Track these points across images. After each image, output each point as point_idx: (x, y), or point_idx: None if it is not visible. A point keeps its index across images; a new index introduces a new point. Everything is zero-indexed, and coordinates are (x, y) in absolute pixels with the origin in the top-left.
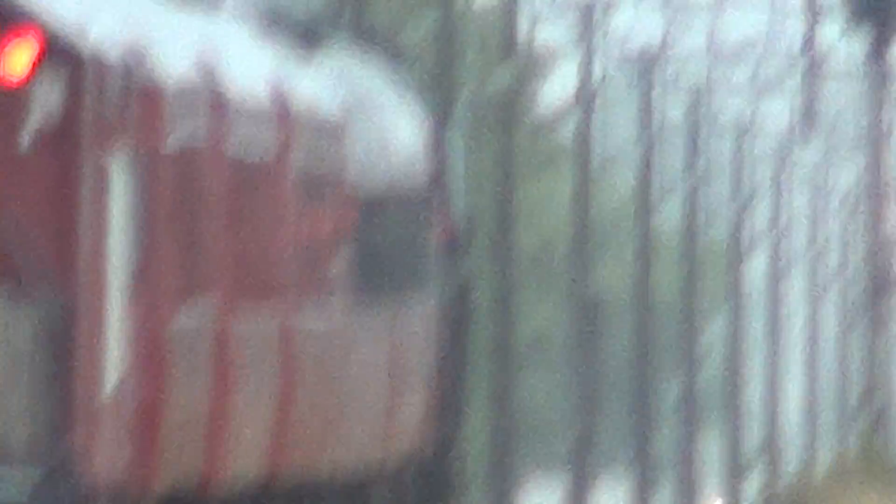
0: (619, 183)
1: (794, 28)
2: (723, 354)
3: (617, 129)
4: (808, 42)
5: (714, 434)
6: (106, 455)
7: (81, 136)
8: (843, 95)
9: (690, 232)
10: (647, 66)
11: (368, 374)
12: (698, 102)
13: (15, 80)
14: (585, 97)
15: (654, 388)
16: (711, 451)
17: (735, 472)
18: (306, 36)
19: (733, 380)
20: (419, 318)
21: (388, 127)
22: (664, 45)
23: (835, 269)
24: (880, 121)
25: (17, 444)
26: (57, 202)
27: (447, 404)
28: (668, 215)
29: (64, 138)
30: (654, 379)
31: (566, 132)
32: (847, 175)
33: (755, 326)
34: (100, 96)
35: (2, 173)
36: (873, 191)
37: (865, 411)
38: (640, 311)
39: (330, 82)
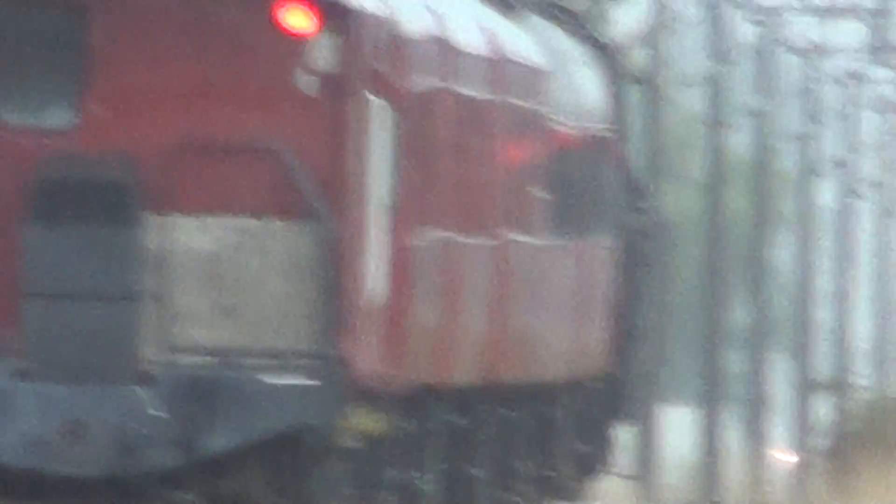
0: (690, 106)
1: None
2: (793, 279)
3: (688, 52)
4: None
5: (784, 358)
6: (368, 355)
7: (350, 83)
8: None
9: (761, 155)
10: None
11: (564, 294)
12: (769, 24)
13: (296, 33)
14: (660, 21)
15: (724, 313)
16: (781, 375)
17: (805, 397)
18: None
19: (803, 304)
20: (606, 250)
21: (579, 79)
22: None
23: None
24: None
25: (300, 345)
26: (330, 139)
27: (626, 331)
28: (739, 139)
29: (335, 84)
30: (724, 304)
31: (640, 56)
32: None
33: (825, 250)
34: (364, 48)
35: (284, 113)
36: None
37: None
38: (710, 235)
39: (533, 38)
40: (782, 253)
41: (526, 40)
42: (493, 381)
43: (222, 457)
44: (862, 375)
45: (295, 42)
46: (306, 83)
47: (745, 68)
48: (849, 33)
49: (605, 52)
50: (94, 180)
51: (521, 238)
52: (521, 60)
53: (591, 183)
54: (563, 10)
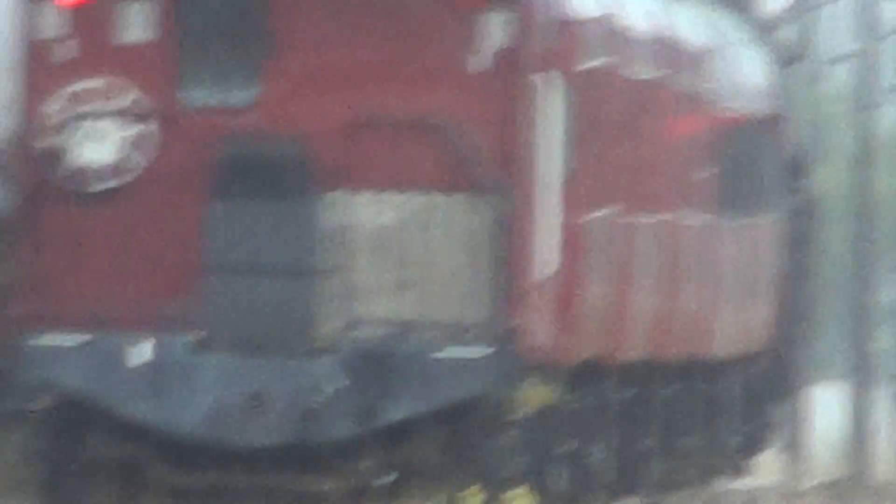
0: (840, 84)
1: None
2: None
3: (835, 30)
4: None
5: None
6: (540, 329)
7: (523, 60)
8: None
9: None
10: None
11: (730, 271)
12: None
13: (470, 12)
14: None
15: (873, 290)
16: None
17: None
18: None
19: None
20: (769, 228)
21: (741, 62)
22: None
23: None
24: None
25: (474, 318)
26: (502, 116)
27: (790, 310)
28: (889, 117)
29: (509, 61)
30: (873, 281)
31: (790, 32)
32: None
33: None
34: (536, 27)
35: (460, 90)
36: None
37: None
38: (859, 213)
39: (698, 22)
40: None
41: (690, 21)
42: (661, 358)
43: (398, 427)
44: None
45: (469, 20)
46: (480, 60)
47: (893, 45)
48: None
49: (765, 32)
50: (274, 157)
51: (689, 216)
52: (686, 41)
53: (755, 162)
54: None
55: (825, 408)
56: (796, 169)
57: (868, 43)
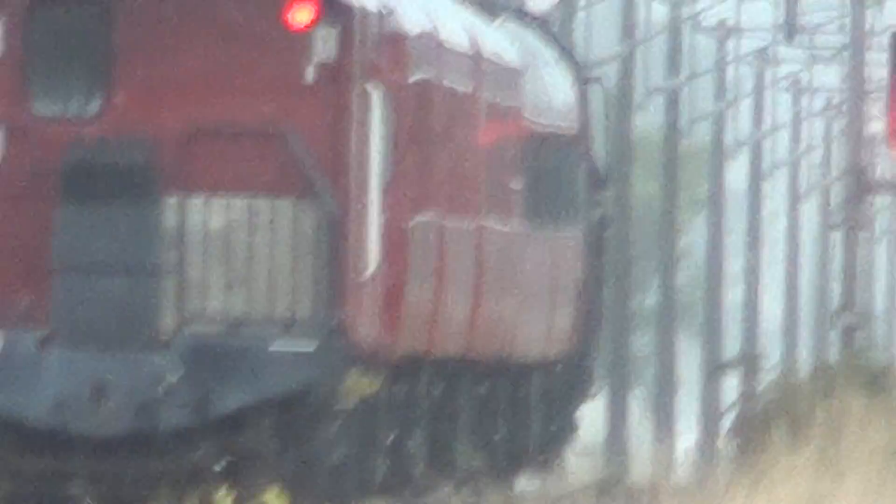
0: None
1: None
2: (702, 257)
3: (599, 32)
4: None
5: (693, 337)
6: (364, 324)
7: (350, 72)
8: None
9: (672, 134)
10: None
11: (535, 278)
12: (681, 3)
13: (300, 27)
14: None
15: (629, 296)
16: (690, 354)
17: (714, 376)
18: (489, 7)
19: (713, 282)
20: (571, 239)
21: (548, 80)
22: None
23: (817, 172)
24: (863, 21)
25: (303, 314)
26: (329, 125)
27: (588, 316)
28: (648, 119)
29: (337, 73)
30: (629, 288)
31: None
32: (830, 76)
33: (736, 229)
34: (363, 41)
35: (290, 100)
36: (856, 92)
37: (846, 315)
38: (620, 214)
39: (509, 41)
40: (693, 235)
41: (503, 40)
42: (471, 357)
43: (231, 416)
44: (770, 355)
45: (300, 35)
46: (310, 72)
47: (655, 48)
48: (759, 13)
49: (569, 54)
50: (116, 164)
51: (499, 223)
52: (498, 58)
53: (559, 175)
54: (531, 15)
55: (587, 413)
56: (595, 183)
57: (630, 45)
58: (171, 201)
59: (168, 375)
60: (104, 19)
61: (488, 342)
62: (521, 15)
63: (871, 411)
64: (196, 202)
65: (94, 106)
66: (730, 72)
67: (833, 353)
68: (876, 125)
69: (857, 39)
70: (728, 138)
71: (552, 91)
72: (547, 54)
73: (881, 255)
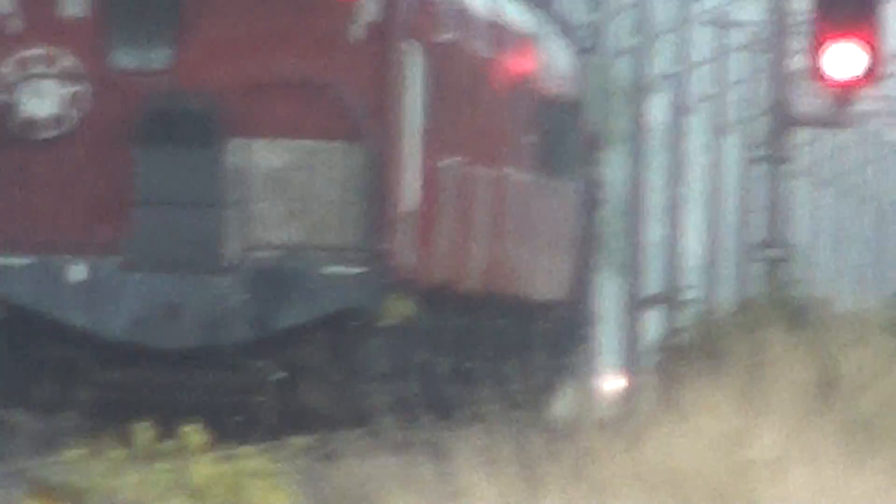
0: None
1: None
2: (623, 193)
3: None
4: None
5: (613, 273)
6: (404, 253)
7: (393, 32)
8: None
9: (592, 68)
10: None
11: (544, 225)
12: None
13: None
14: None
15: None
16: (611, 290)
17: (635, 311)
18: None
19: (634, 220)
20: (571, 192)
21: (551, 50)
22: None
23: (740, 107)
24: None
25: (351, 242)
26: (374, 78)
27: (585, 263)
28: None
29: (381, 32)
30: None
31: None
32: (752, 11)
33: (657, 165)
34: (403, 4)
35: (341, 56)
36: (779, 26)
37: (769, 249)
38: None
39: (519, 13)
40: (614, 170)
41: (515, 12)
42: (490, 292)
43: (288, 332)
44: (692, 290)
45: (347, 4)
46: (357, 31)
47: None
48: None
49: (569, 27)
50: (187, 111)
51: (514, 173)
52: (513, 27)
53: (562, 135)
54: None
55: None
56: (591, 145)
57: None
58: (236, 144)
59: (233, 296)
60: None
61: (503, 280)
62: None
63: (793, 346)
64: (257, 145)
65: (168, 60)
66: (655, 6)
67: (755, 289)
68: (799, 60)
69: None
70: (651, 73)
71: (554, 60)
72: (547, 27)
73: (803, 189)
